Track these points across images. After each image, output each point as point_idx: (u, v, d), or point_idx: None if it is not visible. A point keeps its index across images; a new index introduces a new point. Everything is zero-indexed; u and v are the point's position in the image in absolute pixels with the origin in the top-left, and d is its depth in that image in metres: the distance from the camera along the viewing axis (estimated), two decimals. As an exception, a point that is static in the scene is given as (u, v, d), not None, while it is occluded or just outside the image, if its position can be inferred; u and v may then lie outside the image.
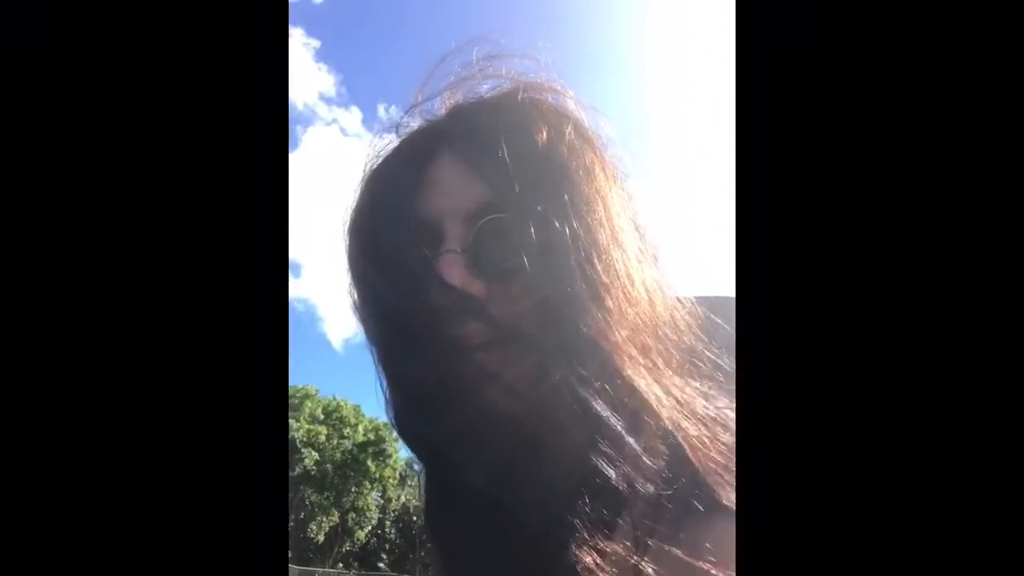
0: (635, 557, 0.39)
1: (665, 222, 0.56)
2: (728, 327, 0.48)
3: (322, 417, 32.48)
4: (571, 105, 0.54)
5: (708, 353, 0.49)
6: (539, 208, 0.47)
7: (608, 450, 0.42)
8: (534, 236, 0.46)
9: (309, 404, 31.84)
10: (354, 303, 0.55)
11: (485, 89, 0.55)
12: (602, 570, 0.40)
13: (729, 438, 0.43)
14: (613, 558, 0.41)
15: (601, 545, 0.41)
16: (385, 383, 0.53)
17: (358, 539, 32.74)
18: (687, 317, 0.50)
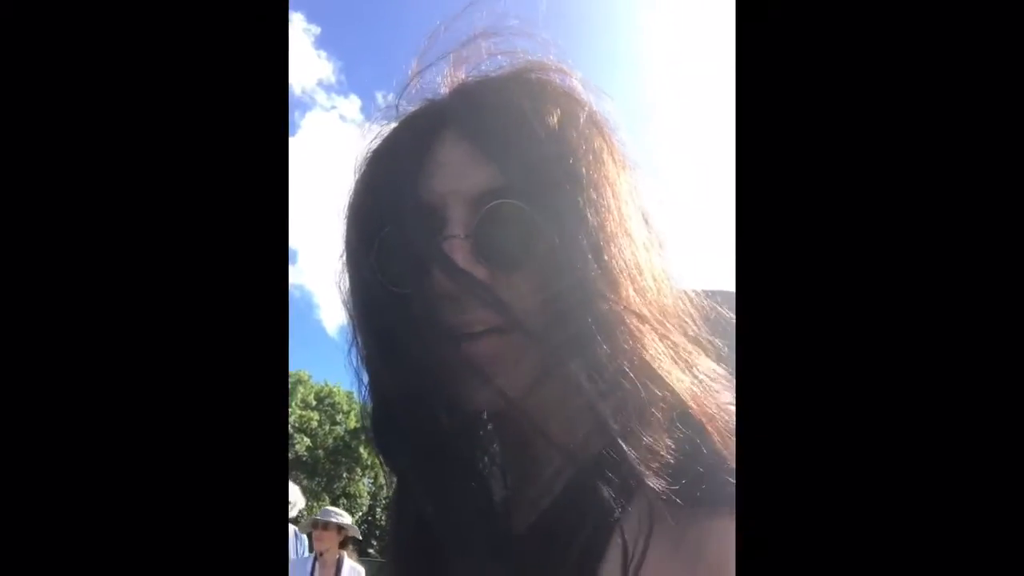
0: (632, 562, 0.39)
1: (671, 212, 0.55)
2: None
3: (315, 403, 32.53)
4: (579, 87, 0.52)
5: (713, 346, 0.48)
6: (545, 193, 0.45)
7: (615, 445, 0.41)
8: (541, 222, 0.45)
9: (302, 390, 31.87)
10: (344, 294, 0.53)
11: (487, 68, 0.53)
12: None
13: (711, 444, 0.42)
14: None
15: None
16: (367, 387, 0.51)
17: (348, 525, 32.87)
18: (691, 309, 0.49)
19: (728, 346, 0.47)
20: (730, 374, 0.46)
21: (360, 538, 3.95)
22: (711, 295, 0.50)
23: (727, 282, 0.51)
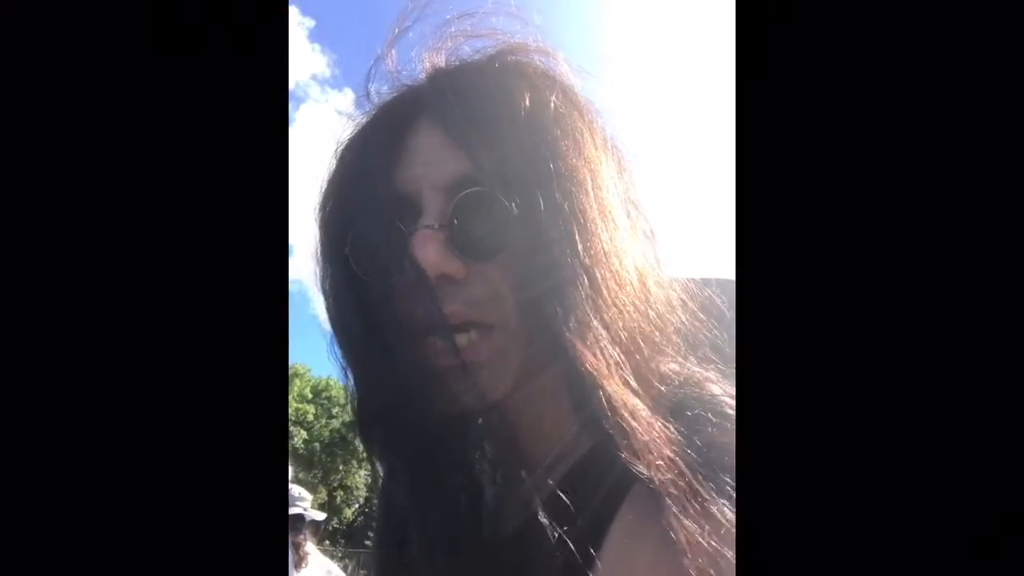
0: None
1: (663, 197, 0.53)
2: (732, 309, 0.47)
3: (311, 397, 32.49)
4: (561, 69, 0.50)
5: (706, 334, 0.46)
6: (521, 180, 0.44)
7: (604, 437, 0.40)
8: (515, 211, 0.44)
9: (298, 383, 31.83)
10: (324, 291, 0.51)
11: (468, 51, 0.51)
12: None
13: (705, 438, 0.40)
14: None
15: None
16: (352, 383, 0.50)
17: (345, 517, 32.93)
18: (683, 296, 0.47)
19: (723, 335, 0.47)
20: (724, 362, 0.46)
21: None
22: (706, 283, 0.49)
23: (722, 270, 0.50)
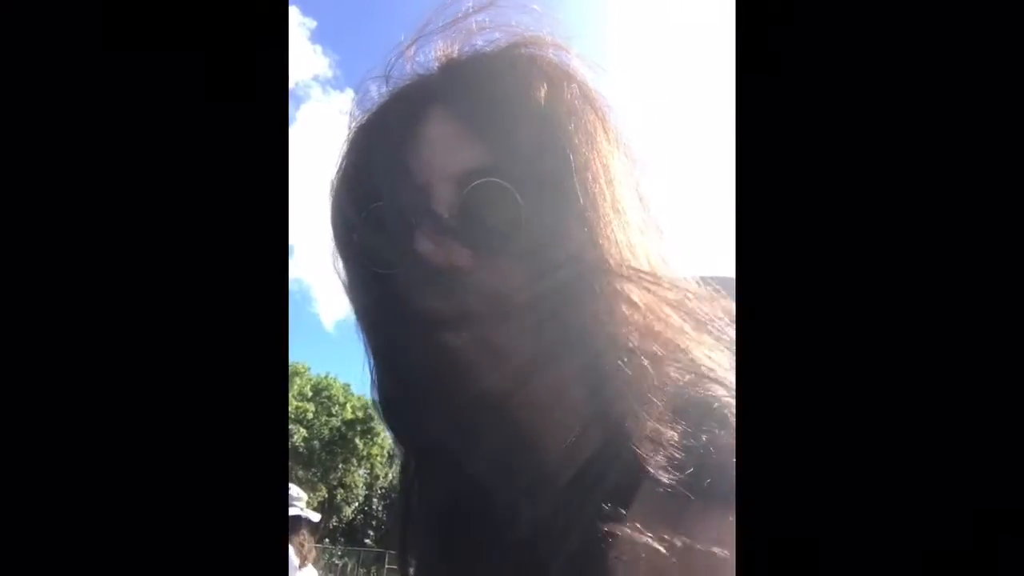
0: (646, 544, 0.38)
1: (670, 194, 0.53)
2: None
3: (310, 395, 32.54)
4: (574, 63, 0.49)
5: (710, 334, 0.46)
6: (533, 172, 0.43)
7: (614, 434, 0.40)
8: (526, 203, 0.43)
9: (298, 381, 31.87)
10: (340, 275, 0.51)
11: (482, 43, 0.51)
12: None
13: (710, 439, 0.41)
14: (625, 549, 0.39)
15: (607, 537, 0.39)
16: (373, 366, 0.50)
17: (345, 516, 32.98)
18: (689, 296, 0.46)
19: (726, 334, 0.47)
20: (728, 362, 0.46)
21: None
22: (708, 281, 0.49)
23: (725, 268, 0.50)
